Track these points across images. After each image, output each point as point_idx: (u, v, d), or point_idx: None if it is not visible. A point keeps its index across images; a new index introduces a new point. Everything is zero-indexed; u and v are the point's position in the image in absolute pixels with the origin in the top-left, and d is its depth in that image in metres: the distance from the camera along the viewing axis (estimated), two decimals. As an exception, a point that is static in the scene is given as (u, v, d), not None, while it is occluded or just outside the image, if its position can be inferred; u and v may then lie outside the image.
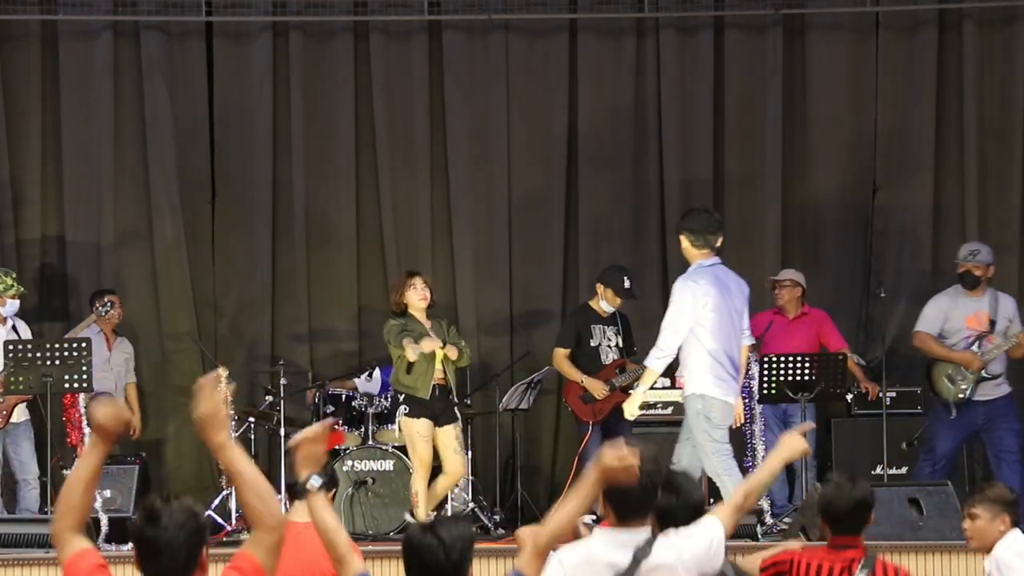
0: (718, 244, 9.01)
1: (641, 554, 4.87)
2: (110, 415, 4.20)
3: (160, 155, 12.46)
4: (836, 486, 5.89)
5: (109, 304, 11.24)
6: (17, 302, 10.52)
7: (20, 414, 10.36)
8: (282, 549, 5.03)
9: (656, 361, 9.12)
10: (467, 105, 12.68)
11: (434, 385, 10.44)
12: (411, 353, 10.37)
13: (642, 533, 4.94)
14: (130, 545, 10.05)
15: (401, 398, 10.45)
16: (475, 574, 8.94)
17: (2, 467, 10.46)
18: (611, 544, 4.94)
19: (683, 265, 12.35)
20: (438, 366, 10.46)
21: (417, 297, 10.56)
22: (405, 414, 10.40)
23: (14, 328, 10.50)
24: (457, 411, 10.69)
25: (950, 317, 10.84)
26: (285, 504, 10.84)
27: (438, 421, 10.44)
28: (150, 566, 3.95)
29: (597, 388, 10.83)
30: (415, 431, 10.40)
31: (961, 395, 10.65)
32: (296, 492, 5.55)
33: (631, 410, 9.38)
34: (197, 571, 3.97)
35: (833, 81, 12.65)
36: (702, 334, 8.94)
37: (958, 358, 10.70)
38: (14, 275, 10.67)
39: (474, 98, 12.70)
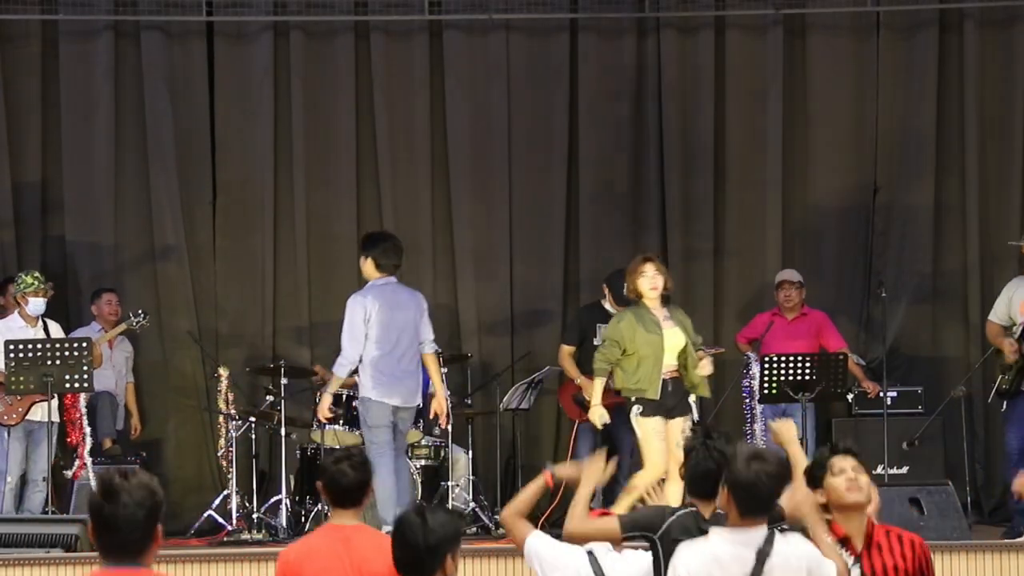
0: (396, 266, 10.05)
1: (764, 553, 4.96)
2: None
3: (160, 155, 12.46)
4: None
5: (143, 315, 11.28)
6: (42, 300, 10.50)
7: (44, 414, 10.30)
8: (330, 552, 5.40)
9: (339, 368, 10.07)
10: (467, 105, 12.67)
11: (664, 379, 9.80)
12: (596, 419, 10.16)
13: (759, 532, 5.02)
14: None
15: (632, 398, 9.78)
16: (475, 574, 8.99)
17: (20, 465, 10.43)
18: (732, 543, 5.01)
19: (683, 265, 12.44)
20: (669, 359, 9.80)
21: (647, 285, 9.80)
22: (639, 413, 9.75)
23: (45, 328, 10.49)
24: (692, 403, 10.01)
25: (1013, 303, 10.69)
26: (286, 504, 10.87)
27: (670, 414, 9.79)
28: (108, 541, 4.01)
29: (590, 389, 10.79)
30: (649, 429, 9.74)
31: (1004, 385, 10.58)
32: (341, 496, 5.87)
33: (322, 412, 10.31)
34: (151, 548, 4.04)
35: (834, 81, 12.65)
36: (367, 344, 9.94)
37: (1002, 346, 10.61)
38: (36, 273, 10.64)
39: (474, 98, 12.70)
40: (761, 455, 5.04)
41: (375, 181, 12.63)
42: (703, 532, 5.24)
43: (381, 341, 9.96)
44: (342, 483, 5.85)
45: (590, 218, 12.62)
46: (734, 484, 4.99)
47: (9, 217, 12.35)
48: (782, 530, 5.15)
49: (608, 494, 10.78)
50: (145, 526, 3.99)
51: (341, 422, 11.04)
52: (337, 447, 10.32)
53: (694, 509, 5.57)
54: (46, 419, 10.22)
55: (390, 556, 4.80)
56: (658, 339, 9.67)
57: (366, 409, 10.02)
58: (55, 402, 10.22)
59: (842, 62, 12.66)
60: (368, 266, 10.10)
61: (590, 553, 5.66)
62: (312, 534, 6.32)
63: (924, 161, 12.54)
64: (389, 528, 9.42)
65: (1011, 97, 12.53)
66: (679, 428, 9.67)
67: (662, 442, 9.61)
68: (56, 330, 10.60)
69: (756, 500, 5.01)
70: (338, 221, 12.60)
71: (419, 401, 10.27)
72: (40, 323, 10.53)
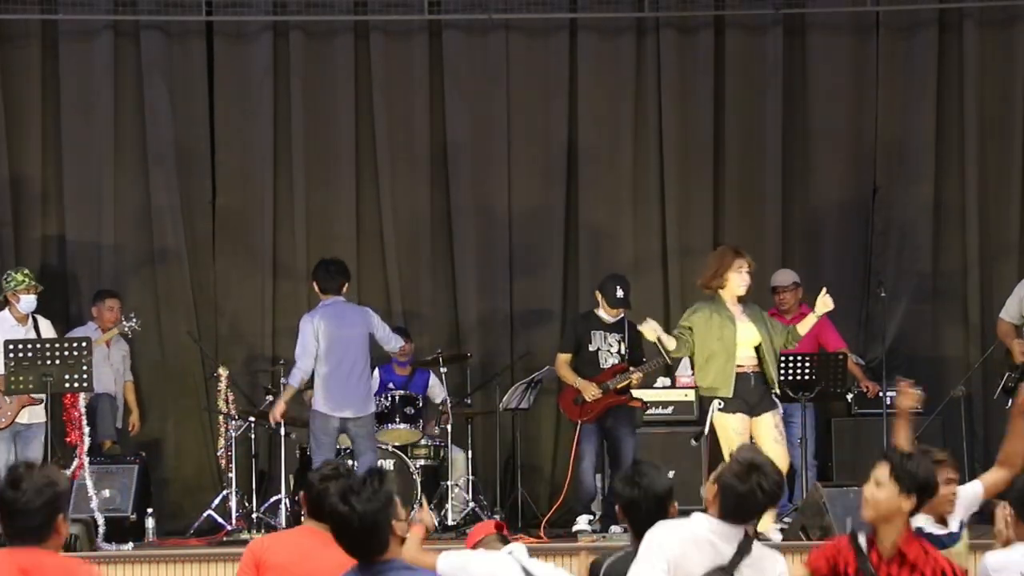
0: (342, 289, 10.76)
1: (743, 549, 4.97)
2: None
3: (160, 155, 12.46)
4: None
5: (135, 319, 11.31)
6: (33, 297, 10.50)
7: (34, 416, 10.31)
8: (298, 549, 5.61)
9: (293, 378, 10.68)
10: (467, 105, 12.67)
11: (745, 374, 9.73)
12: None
13: (740, 531, 5.01)
14: (130, 545, 10.14)
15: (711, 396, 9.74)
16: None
17: (4, 468, 10.43)
18: (714, 532, 5.01)
19: (683, 265, 12.45)
20: (744, 352, 9.73)
21: (740, 281, 9.76)
22: (719, 409, 9.68)
23: (35, 325, 10.48)
24: (776, 398, 9.91)
25: None
26: (286, 504, 10.87)
27: (754, 411, 9.69)
28: (9, 525, 4.37)
29: (587, 389, 10.81)
30: (729, 427, 9.69)
31: (1011, 384, 10.56)
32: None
33: (275, 415, 10.78)
34: (52, 535, 4.39)
35: (833, 81, 12.65)
36: (317, 361, 10.61)
37: (1011, 346, 10.58)
38: (25, 270, 10.63)
39: (474, 98, 12.70)
40: (761, 467, 5.01)
41: (375, 181, 12.63)
42: None
43: (328, 357, 10.59)
44: (328, 501, 5.98)
45: (590, 218, 12.61)
46: (727, 489, 4.99)
47: (9, 217, 12.35)
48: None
49: (611, 496, 10.79)
50: (42, 515, 4.34)
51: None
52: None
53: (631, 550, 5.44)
54: (34, 421, 10.25)
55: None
56: (731, 334, 9.63)
57: (313, 421, 10.65)
58: (41, 407, 10.23)
59: (842, 62, 12.66)
60: (316, 289, 10.84)
61: (511, 553, 5.63)
62: (289, 531, 6.47)
63: (924, 161, 12.54)
64: None
65: (1011, 97, 12.53)
66: (770, 424, 9.62)
67: (743, 440, 9.49)
68: (46, 327, 10.57)
69: (745, 511, 5.02)
70: (338, 221, 12.60)
71: (372, 409, 10.84)
72: (31, 320, 10.51)
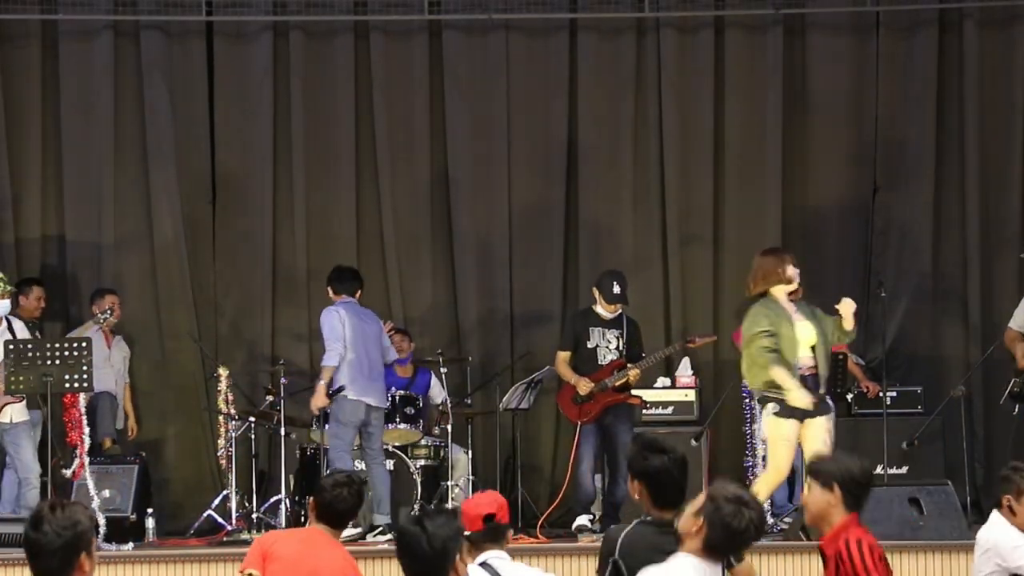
0: (356, 295, 11.07)
1: None
2: None
3: (160, 155, 12.46)
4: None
5: (109, 311, 11.25)
6: (7, 301, 10.47)
7: (19, 414, 10.32)
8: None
9: (329, 359, 10.78)
10: (467, 105, 12.67)
11: (803, 376, 9.40)
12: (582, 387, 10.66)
13: (719, 569, 4.89)
14: (130, 545, 10.13)
15: (768, 394, 9.41)
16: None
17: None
18: (696, 570, 4.84)
19: (683, 264, 12.46)
20: (803, 352, 9.47)
21: (795, 280, 9.65)
22: (774, 413, 9.35)
23: (10, 327, 10.45)
24: (830, 401, 9.70)
25: None
26: (286, 504, 10.87)
27: (808, 413, 9.38)
28: (33, 565, 4.37)
29: (581, 385, 10.80)
30: (779, 433, 9.36)
31: (1016, 388, 10.55)
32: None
33: (317, 403, 10.76)
34: (72, 573, 4.34)
35: (833, 81, 12.65)
36: (345, 347, 10.78)
37: (1015, 351, 10.56)
38: (1, 275, 10.59)
39: (474, 98, 12.70)
40: (749, 502, 4.86)
41: (375, 181, 12.63)
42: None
43: (354, 345, 10.80)
44: (339, 508, 6.15)
45: (590, 217, 12.62)
46: (721, 528, 4.80)
47: (9, 217, 12.35)
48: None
49: (610, 496, 10.80)
50: (62, 555, 4.30)
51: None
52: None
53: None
54: (19, 419, 10.25)
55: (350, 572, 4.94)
56: (790, 333, 9.39)
57: (340, 407, 10.72)
58: (23, 404, 10.24)
59: (842, 62, 12.66)
60: (329, 292, 11.07)
61: (484, 564, 5.61)
62: (299, 528, 6.55)
63: (924, 161, 12.54)
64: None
65: (1011, 97, 12.53)
66: (823, 427, 9.34)
67: (791, 447, 9.32)
68: (20, 328, 10.55)
69: (737, 547, 4.93)
70: (338, 221, 12.60)
71: (386, 405, 11.06)
72: (5, 323, 10.48)
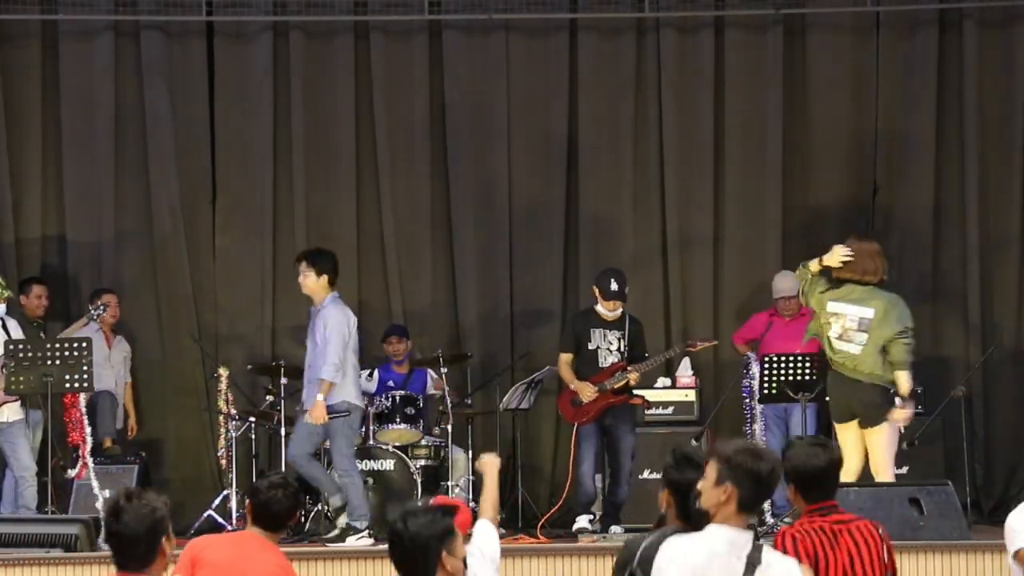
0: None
1: (755, 560, 4.83)
2: None
3: (160, 155, 12.46)
4: (807, 451, 5.70)
5: (102, 307, 11.26)
6: (3, 305, 10.48)
7: (13, 413, 10.32)
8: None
9: (334, 374, 10.26)
10: (467, 105, 12.67)
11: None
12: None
13: (749, 536, 4.88)
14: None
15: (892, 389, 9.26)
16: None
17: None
18: (727, 542, 4.84)
19: (683, 264, 12.46)
20: None
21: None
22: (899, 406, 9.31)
23: (4, 328, 10.45)
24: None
25: None
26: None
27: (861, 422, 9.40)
28: (117, 553, 4.54)
29: (584, 390, 10.81)
30: (900, 424, 9.45)
31: None
32: None
33: (317, 418, 10.23)
34: (157, 559, 4.59)
35: (833, 81, 12.65)
36: (349, 353, 10.39)
37: None
38: (0, 279, 10.56)
39: (474, 98, 12.70)
40: (758, 448, 4.96)
41: (375, 181, 12.63)
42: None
43: (357, 351, 10.57)
44: (274, 509, 6.04)
45: (590, 218, 12.62)
46: (749, 479, 4.83)
47: (9, 217, 12.35)
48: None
49: (611, 497, 10.81)
50: (147, 541, 4.52)
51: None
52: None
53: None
54: (14, 418, 10.24)
55: None
56: None
57: (353, 417, 10.41)
58: (18, 403, 10.23)
59: (842, 62, 12.66)
60: (322, 282, 10.38)
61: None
62: (231, 533, 6.49)
63: (924, 161, 12.54)
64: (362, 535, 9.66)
65: (1011, 97, 12.53)
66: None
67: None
68: (14, 328, 10.55)
69: (767, 493, 4.92)
70: (338, 221, 12.60)
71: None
72: None
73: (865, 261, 9.37)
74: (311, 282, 10.37)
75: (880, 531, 5.72)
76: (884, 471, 9.40)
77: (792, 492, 5.68)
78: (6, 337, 10.26)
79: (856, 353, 9.27)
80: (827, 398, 9.73)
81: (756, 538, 4.92)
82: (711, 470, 4.90)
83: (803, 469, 5.61)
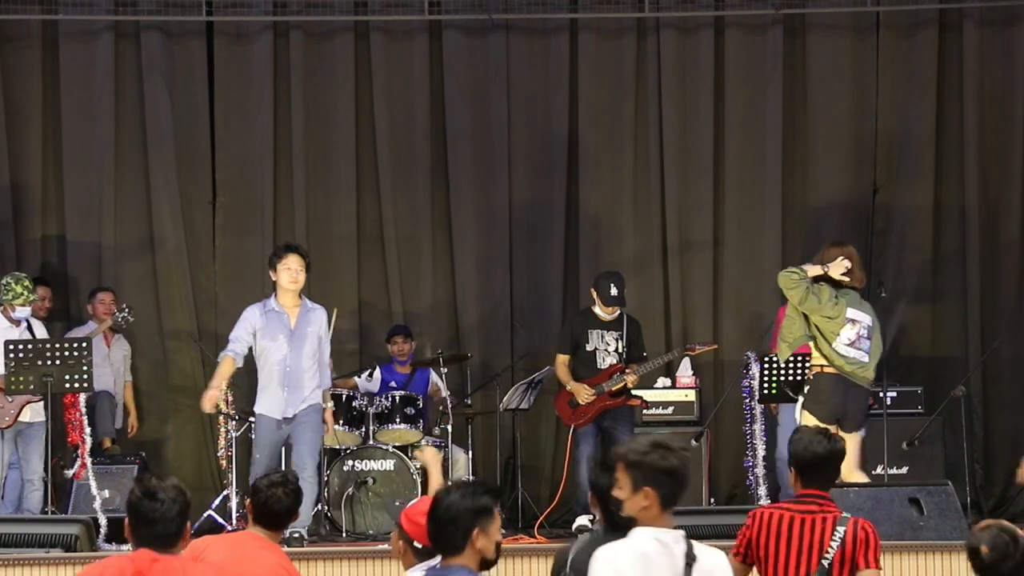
0: None
1: (691, 557, 4.81)
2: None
3: (160, 155, 12.47)
4: (810, 438, 5.87)
5: (127, 310, 11.30)
6: (28, 309, 10.50)
7: (35, 415, 10.31)
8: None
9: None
10: (467, 105, 12.67)
11: None
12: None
13: (679, 534, 4.84)
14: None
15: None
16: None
17: (6, 467, 10.43)
18: (659, 542, 4.80)
19: (683, 264, 12.45)
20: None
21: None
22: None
23: (29, 328, 10.48)
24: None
25: None
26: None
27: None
28: (146, 533, 4.74)
29: (580, 392, 10.82)
30: None
31: None
32: None
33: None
34: (182, 541, 4.79)
35: (833, 81, 12.65)
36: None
37: None
38: (27, 282, 10.53)
39: (474, 98, 12.70)
40: (664, 442, 4.85)
41: (375, 181, 12.63)
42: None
43: None
44: (274, 508, 6.03)
45: (590, 218, 12.62)
46: (661, 473, 4.78)
47: (9, 217, 12.35)
48: None
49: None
50: (179, 521, 4.75)
51: (341, 422, 11.05)
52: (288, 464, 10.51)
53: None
54: (36, 419, 10.24)
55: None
56: None
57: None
58: (40, 405, 10.22)
59: (842, 62, 12.66)
60: (302, 276, 10.24)
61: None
62: (232, 533, 6.50)
63: (924, 161, 12.54)
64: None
65: (1010, 97, 12.53)
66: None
67: None
68: (40, 330, 10.56)
69: (682, 486, 4.84)
70: (338, 221, 12.60)
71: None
72: (24, 324, 10.50)
73: (858, 267, 9.41)
74: (303, 279, 10.24)
75: (853, 530, 5.78)
76: (860, 472, 9.41)
77: (793, 477, 5.90)
78: (30, 338, 10.31)
79: (865, 361, 9.32)
80: (811, 399, 9.69)
81: (688, 539, 4.86)
82: (623, 479, 4.84)
83: (803, 455, 5.83)
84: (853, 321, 9.31)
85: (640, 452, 4.84)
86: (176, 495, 4.76)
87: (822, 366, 9.34)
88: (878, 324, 9.45)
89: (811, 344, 9.35)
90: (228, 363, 10.24)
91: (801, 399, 9.30)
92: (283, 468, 10.09)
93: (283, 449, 10.58)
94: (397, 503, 10.84)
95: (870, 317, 9.35)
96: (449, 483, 4.91)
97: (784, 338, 9.47)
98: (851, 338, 9.30)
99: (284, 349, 10.13)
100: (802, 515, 5.80)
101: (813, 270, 9.35)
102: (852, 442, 9.34)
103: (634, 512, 4.83)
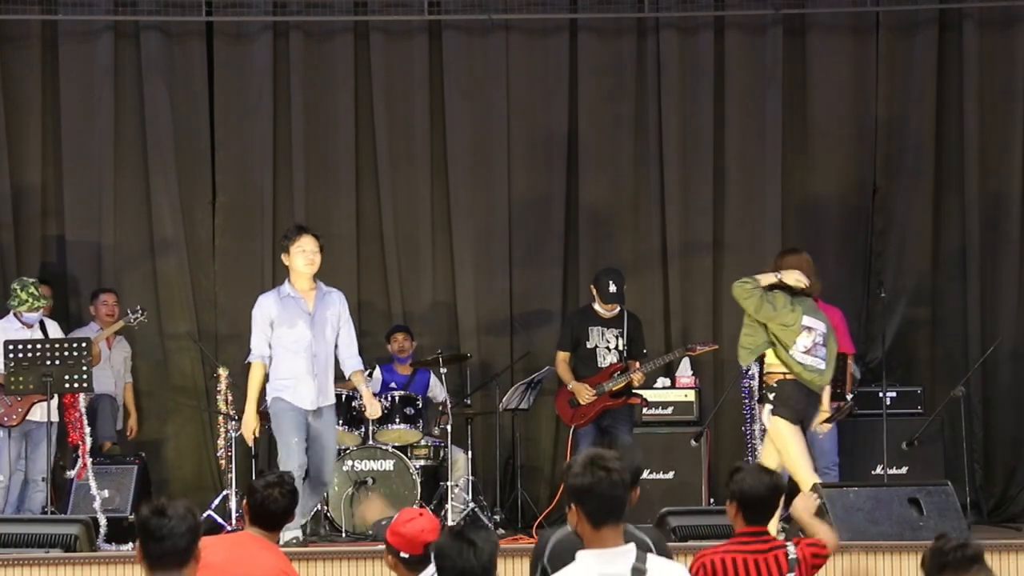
0: None
1: (639, 572, 4.69)
2: None
3: (160, 155, 12.47)
4: (751, 474, 5.80)
5: (141, 311, 11.30)
6: (37, 315, 10.51)
7: (43, 414, 10.29)
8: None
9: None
10: (467, 105, 12.68)
11: None
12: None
13: (628, 549, 4.72)
14: (130, 545, 10.11)
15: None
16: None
17: (14, 465, 10.43)
18: (602, 562, 4.69)
19: (682, 264, 12.45)
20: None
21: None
22: None
23: (43, 328, 10.49)
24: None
25: None
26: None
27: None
28: (155, 549, 4.65)
29: (581, 392, 10.81)
30: None
31: None
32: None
33: (376, 411, 10.23)
34: (192, 560, 4.69)
35: (833, 81, 12.65)
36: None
37: None
38: (33, 289, 10.52)
39: (474, 98, 12.70)
40: (596, 458, 4.71)
41: (375, 181, 12.63)
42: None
43: None
44: (271, 509, 6.01)
45: (590, 218, 12.62)
46: (586, 490, 4.66)
47: (9, 217, 12.35)
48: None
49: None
50: (188, 536, 4.68)
51: (341, 422, 11.04)
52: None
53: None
54: (45, 419, 10.22)
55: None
56: None
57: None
58: (54, 402, 10.21)
59: (842, 62, 12.66)
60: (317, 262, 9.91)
61: None
62: (231, 534, 6.46)
63: (924, 161, 12.54)
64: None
65: (1010, 97, 12.53)
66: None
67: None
68: (54, 329, 10.58)
69: (607, 505, 4.67)
70: (338, 221, 12.60)
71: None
72: (36, 326, 10.52)
73: (812, 275, 9.40)
74: (319, 261, 9.84)
75: (801, 554, 5.79)
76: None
77: (733, 512, 5.78)
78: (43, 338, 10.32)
79: (822, 368, 9.30)
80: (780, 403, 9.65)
81: (643, 552, 4.77)
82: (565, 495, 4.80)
83: (748, 493, 5.74)
84: (809, 329, 9.29)
85: (567, 469, 4.78)
86: (185, 513, 4.71)
87: (784, 373, 9.32)
88: (833, 332, 9.41)
89: (770, 352, 9.32)
90: (259, 370, 9.77)
91: (769, 406, 9.28)
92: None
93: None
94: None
95: (824, 325, 9.34)
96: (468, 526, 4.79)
97: (745, 345, 9.45)
98: (807, 345, 9.27)
99: (307, 335, 9.69)
100: (754, 556, 5.70)
101: (766, 279, 9.31)
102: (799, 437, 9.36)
103: (575, 528, 4.76)
